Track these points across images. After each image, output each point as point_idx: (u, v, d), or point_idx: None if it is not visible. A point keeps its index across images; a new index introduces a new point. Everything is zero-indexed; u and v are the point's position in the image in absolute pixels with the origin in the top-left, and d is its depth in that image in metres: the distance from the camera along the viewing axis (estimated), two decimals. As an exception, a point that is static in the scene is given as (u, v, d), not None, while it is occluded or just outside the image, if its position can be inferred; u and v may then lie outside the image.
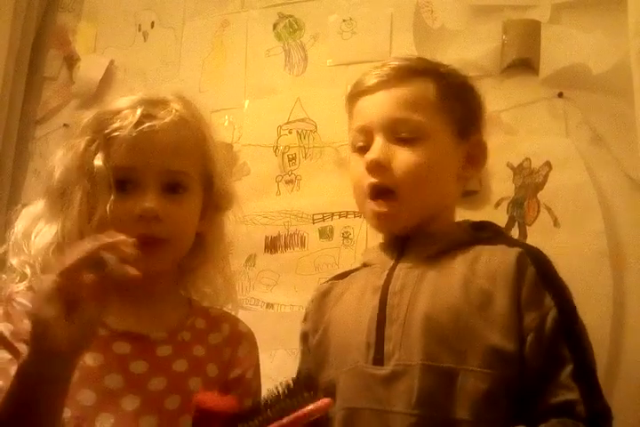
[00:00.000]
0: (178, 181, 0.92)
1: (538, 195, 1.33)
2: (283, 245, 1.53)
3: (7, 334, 0.84)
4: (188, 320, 0.95)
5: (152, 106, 0.93)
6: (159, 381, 0.87)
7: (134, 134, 0.90)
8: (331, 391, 0.91)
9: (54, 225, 0.92)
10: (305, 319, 1.03)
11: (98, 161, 0.91)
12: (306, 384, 0.91)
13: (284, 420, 0.73)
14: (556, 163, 1.33)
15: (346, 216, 1.49)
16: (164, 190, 0.90)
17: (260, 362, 1.01)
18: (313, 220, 1.51)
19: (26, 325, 0.83)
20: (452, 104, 0.95)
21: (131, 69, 1.81)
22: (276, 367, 1.41)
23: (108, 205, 0.88)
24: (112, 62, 1.82)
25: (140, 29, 1.84)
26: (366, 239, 1.46)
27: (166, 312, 0.94)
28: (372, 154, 0.92)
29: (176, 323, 0.94)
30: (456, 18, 1.48)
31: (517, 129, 1.38)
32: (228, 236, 1.04)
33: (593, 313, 1.19)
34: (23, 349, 0.81)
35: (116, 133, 0.91)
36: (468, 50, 1.44)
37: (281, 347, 1.44)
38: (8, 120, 1.82)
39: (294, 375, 0.98)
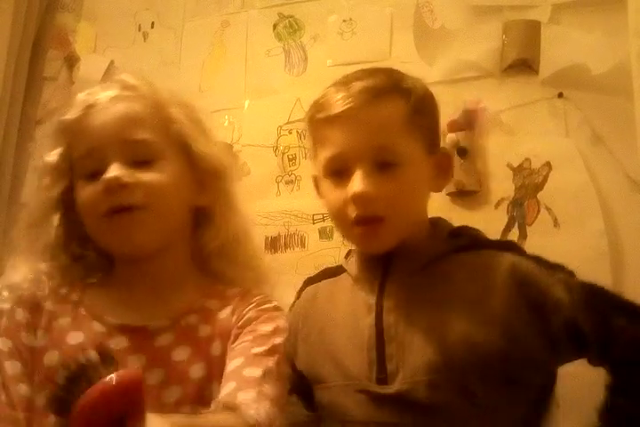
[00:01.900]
0: (142, 151, 0.89)
1: (538, 195, 1.33)
2: (283, 245, 1.53)
3: (4, 350, 0.84)
4: (198, 302, 0.90)
5: (96, 89, 0.93)
6: (157, 373, 0.83)
7: (79, 117, 0.90)
8: (325, 404, 0.91)
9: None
10: (292, 321, 0.98)
11: (51, 157, 0.92)
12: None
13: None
14: (556, 163, 1.33)
15: (346, 216, 1.49)
16: (131, 164, 0.87)
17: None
18: (313, 220, 1.51)
19: (23, 338, 0.84)
20: (421, 120, 0.93)
21: (131, 69, 1.81)
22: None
23: (58, 190, 0.89)
24: (112, 62, 1.82)
25: (140, 29, 1.84)
26: (366, 239, 1.46)
27: (173, 298, 0.90)
28: (357, 187, 0.88)
29: (182, 308, 0.89)
30: (456, 18, 1.48)
31: (517, 129, 1.38)
32: (244, 209, 0.99)
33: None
34: (16, 367, 0.82)
35: (67, 125, 0.91)
36: (468, 50, 1.44)
37: (281, 347, 1.44)
38: (8, 120, 1.82)
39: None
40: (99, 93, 0.92)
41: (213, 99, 1.66)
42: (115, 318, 0.87)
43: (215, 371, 0.83)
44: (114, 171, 0.86)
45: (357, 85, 0.92)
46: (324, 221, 1.50)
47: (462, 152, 1.37)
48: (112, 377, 0.60)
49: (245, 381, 0.79)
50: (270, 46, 1.67)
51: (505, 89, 1.41)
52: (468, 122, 1.39)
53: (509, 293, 0.85)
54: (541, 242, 1.28)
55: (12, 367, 0.82)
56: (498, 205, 1.36)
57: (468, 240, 0.94)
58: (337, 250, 1.48)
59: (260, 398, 0.77)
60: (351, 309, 0.93)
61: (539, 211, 1.33)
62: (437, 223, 0.97)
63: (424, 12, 1.52)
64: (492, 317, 0.84)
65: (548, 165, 1.34)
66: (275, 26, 1.68)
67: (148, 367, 0.84)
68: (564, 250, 1.25)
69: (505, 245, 0.95)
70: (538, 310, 0.85)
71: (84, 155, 0.89)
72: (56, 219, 0.92)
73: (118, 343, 0.85)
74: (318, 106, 0.96)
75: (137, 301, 0.89)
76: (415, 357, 0.85)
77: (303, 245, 1.51)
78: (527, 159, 1.36)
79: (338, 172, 0.92)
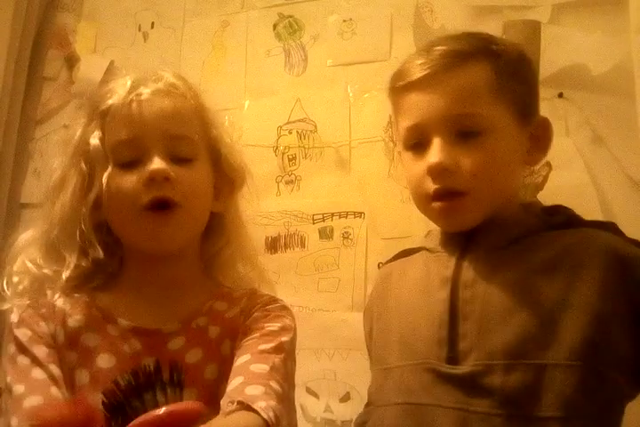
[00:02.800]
0: (183, 148, 0.88)
1: (538, 195, 1.33)
2: (283, 245, 1.53)
3: (25, 339, 0.83)
4: (206, 305, 0.90)
5: (143, 78, 0.92)
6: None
7: (126, 104, 0.88)
8: (384, 387, 0.86)
9: (44, 218, 0.91)
10: (369, 304, 0.98)
11: (94, 139, 0.89)
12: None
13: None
14: (556, 163, 1.33)
15: (346, 216, 1.49)
16: (169, 159, 0.86)
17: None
18: (313, 220, 1.51)
19: (42, 327, 0.85)
20: (512, 85, 0.85)
21: (131, 69, 1.80)
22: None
23: (106, 175, 0.86)
24: (112, 62, 1.82)
25: (140, 29, 1.84)
26: (366, 239, 1.46)
27: (183, 301, 0.90)
28: (434, 157, 0.82)
29: (192, 310, 0.89)
30: (456, 18, 1.48)
31: (517, 129, 1.38)
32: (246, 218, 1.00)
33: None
34: (42, 350, 0.82)
35: (109, 108, 0.89)
36: (468, 50, 1.44)
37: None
38: (8, 120, 1.82)
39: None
40: (145, 83, 0.91)
41: (213, 99, 1.65)
42: (127, 320, 0.87)
43: (227, 371, 0.83)
44: (159, 163, 0.85)
45: (439, 50, 0.86)
46: (323, 221, 1.51)
47: (462, 152, 1.37)
48: (172, 409, 0.63)
49: (253, 375, 0.79)
50: (270, 46, 1.67)
51: (505, 89, 1.41)
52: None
53: (605, 276, 0.77)
54: (541, 242, 1.29)
55: (40, 351, 0.82)
56: (498, 205, 1.35)
57: (565, 218, 0.86)
58: (337, 250, 1.48)
59: (267, 393, 0.77)
60: (424, 283, 0.88)
61: (539, 211, 1.33)
62: (530, 202, 0.90)
63: (424, 12, 1.52)
64: (581, 301, 0.77)
65: (548, 164, 1.33)
66: (275, 26, 1.68)
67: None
68: (564, 250, 1.25)
69: (605, 226, 0.85)
70: (638, 299, 0.76)
71: (125, 142, 0.87)
72: (95, 206, 0.89)
73: (132, 347, 0.85)
74: (398, 74, 0.90)
75: (148, 303, 0.89)
76: (492, 337, 0.78)
77: (303, 245, 1.51)
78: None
79: (418, 144, 0.86)
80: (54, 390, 0.79)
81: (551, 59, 1.36)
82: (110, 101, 0.90)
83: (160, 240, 0.87)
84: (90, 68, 1.83)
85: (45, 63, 1.91)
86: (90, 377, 0.82)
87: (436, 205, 0.85)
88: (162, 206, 0.85)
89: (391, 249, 1.42)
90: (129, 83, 0.91)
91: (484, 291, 0.81)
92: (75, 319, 0.86)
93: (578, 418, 0.75)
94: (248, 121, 1.64)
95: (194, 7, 1.78)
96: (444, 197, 0.84)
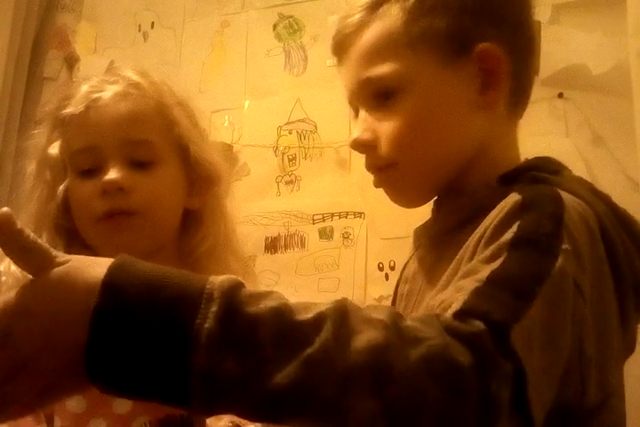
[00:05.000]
0: (142, 152, 0.87)
1: (538, 195, 1.33)
2: (283, 245, 1.53)
3: None
4: None
5: (101, 82, 0.91)
6: None
7: (83, 112, 0.87)
8: None
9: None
10: None
11: (53, 149, 0.89)
12: None
13: None
14: (556, 163, 1.33)
15: (346, 216, 1.49)
16: (130, 165, 0.86)
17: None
18: (313, 220, 1.51)
19: None
20: (431, 21, 0.70)
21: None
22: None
23: (62, 187, 0.87)
24: (112, 63, 1.81)
25: (140, 30, 1.84)
26: (366, 239, 1.46)
27: None
28: (353, 134, 0.74)
29: None
30: (456, 18, 1.48)
31: (517, 129, 1.38)
32: (233, 212, 0.99)
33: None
34: None
35: (65, 117, 0.89)
36: (468, 50, 1.44)
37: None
38: (8, 120, 1.82)
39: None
40: (103, 88, 0.90)
41: (213, 99, 1.65)
42: None
43: None
44: (113, 173, 0.85)
45: (354, 7, 0.75)
46: (323, 221, 1.50)
47: (462, 152, 1.37)
48: None
49: None
50: (270, 46, 1.67)
51: (505, 89, 1.41)
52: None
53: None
54: (541, 242, 1.28)
55: None
56: (498, 205, 1.35)
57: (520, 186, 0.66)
58: (337, 250, 1.48)
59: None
60: None
61: (539, 211, 1.33)
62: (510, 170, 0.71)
63: (424, 12, 1.52)
64: None
65: (548, 165, 1.34)
66: (275, 26, 1.68)
67: None
68: (564, 250, 1.25)
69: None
70: None
71: (82, 150, 0.88)
72: (58, 215, 0.90)
73: None
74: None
75: None
76: None
77: (303, 245, 1.51)
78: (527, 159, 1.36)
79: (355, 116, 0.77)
80: None
81: (551, 59, 1.36)
82: (68, 110, 0.89)
83: (118, 248, 0.86)
84: (90, 68, 1.83)
85: (45, 63, 1.91)
86: None
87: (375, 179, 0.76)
88: (114, 216, 0.85)
89: (391, 249, 1.43)
90: (85, 88, 0.90)
91: (421, 285, 0.72)
92: None
93: None
94: (248, 121, 1.64)
95: (194, 7, 1.78)
96: (375, 171, 0.75)
